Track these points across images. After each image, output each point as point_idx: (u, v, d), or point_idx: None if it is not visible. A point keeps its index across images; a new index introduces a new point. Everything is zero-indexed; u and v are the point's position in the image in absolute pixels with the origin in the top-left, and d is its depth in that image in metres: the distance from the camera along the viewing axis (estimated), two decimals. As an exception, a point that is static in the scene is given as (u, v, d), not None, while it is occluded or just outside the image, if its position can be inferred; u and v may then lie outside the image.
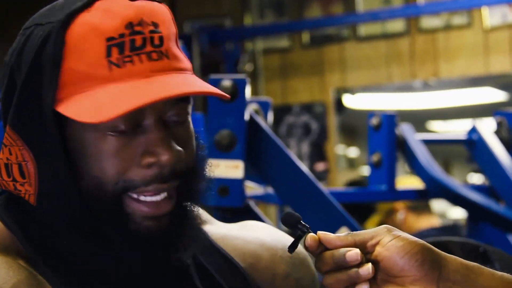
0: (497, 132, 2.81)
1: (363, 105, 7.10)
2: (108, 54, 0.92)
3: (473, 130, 2.79)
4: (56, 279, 0.94)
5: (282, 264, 1.10)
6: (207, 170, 1.00)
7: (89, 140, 0.93)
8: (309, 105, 6.53)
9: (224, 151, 1.88)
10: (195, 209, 0.99)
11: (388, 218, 3.85)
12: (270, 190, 2.32)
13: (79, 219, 0.95)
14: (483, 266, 0.94)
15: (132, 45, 0.92)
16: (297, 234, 0.94)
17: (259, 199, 2.55)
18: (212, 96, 1.87)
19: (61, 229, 0.96)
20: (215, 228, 1.11)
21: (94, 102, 0.91)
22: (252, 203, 1.96)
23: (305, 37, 6.55)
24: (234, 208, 1.87)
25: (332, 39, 6.47)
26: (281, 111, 6.35)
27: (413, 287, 0.90)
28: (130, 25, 0.93)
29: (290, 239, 0.99)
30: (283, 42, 6.63)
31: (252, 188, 2.45)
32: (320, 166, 6.46)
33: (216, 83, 1.89)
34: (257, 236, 1.12)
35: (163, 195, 0.95)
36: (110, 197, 0.93)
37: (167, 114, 0.95)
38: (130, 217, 0.94)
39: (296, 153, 6.27)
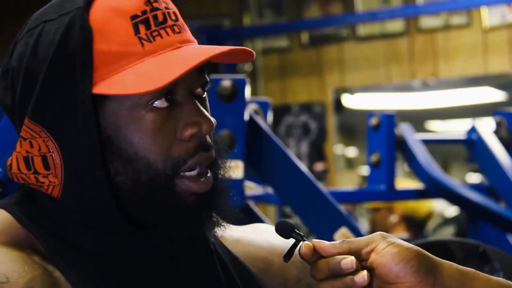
0: (496, 132, 2.81)
1: (362, 105, 7.10)
2: (137, 31, 0.95)
3: (473, 130, 2.79)
4: (72, 275, 0.94)
5: (293, 269, 1.10)
6: (224, 149, 1.03)
7: (129, 121, 0.94)
8: (308, 105, 6.53)
9: (223, 151, 1.87)
10: (225, 183, 1.01)
11: (380, 214, 3.89)
12: (269, 190, 2.32)
13: (104, 210, 0.95)
14: (478, 272, 0.93)
15: (156, 20, 0.96)
16: (292, 243, 0.94)
17: (258, 199, 2.55)
18: (212, 96, 1.88)
19: (80, 222, 0.96)
20: (227, 231, 1.11)
21: (139, 75, 0.93)
22: (251, 203, 1.96)
23: (304, 37, 6.55)
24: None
25: (331, 39, 6.47)
26: (280, 111, 6.35)
27: None
28: (148, 2, 0.96)
29: None
30: (282, 42, 6.63)
31: (252, 188, 2.45)
32: (319, 166, 6.46)
33: (215, 83, 1.89)
34: (268, 240, 1.12)
35: (200, 168, 0.96)
36: (162, 178, 0.95)
37: (195, 85, 0.98)
38: (180, 195, 0.96)
39: (295, 153, 6.27)
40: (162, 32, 0.95)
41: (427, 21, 6.15)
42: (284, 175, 1.98)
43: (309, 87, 6.54)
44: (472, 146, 2.78)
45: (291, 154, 2.02)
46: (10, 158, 1.00)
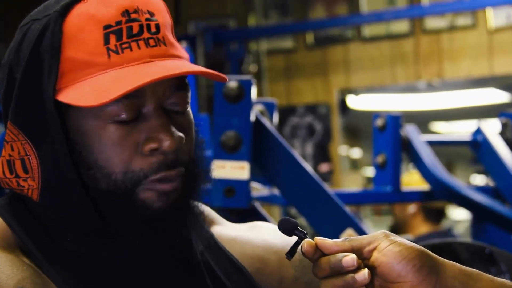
0: (502, 133, 2.81)
1: (367, 106, 7.10)
2: (106, 41, 0.93)
3: (478, 131, 2.79)
4: (60, 277, 0.94)
5: (290, 267, 1.10)
6: (207, 162, 1.01)
7: (91, 130, 0.94)
8: (313, 106, 6.52)
9: (230, 152, 1.88)
10: (198, 197, 1.00)
11: (398, 205, 3.86)
12: (275, 191, 2.32)
13: (82, 212, 0.95)
14: (482, 272, 0.93)
15: (129, 32, 0.94)
16: (295, 240, 0.94)
17: (264, 200, 2.55)
18: (218, 97, 1.88)
19: (63, 224, 0.96)
20: (224, 229, 1.11)
21: (94, 87, 0.91)
22: (257, 204, 1.96)
23: (309, 38, 6.55)
24: (240, 209, 1.87)
25: (336, 40, 6.47)
26: (285, 112, 6.35)
27: None
28: (126, 12, 0.94)
29: None
30: (287, 43, 6.63)
31: (258, 189, 2.45)
32: (324, 167, 6.46)
33: (221, 84, 1.89)
34: (265, 238, 1.12)
35: (172, 185, 0.95)
36: (121, 190, 0.94)
37: (167, 101, 0.96)
38: (143, 203, 0.95)
39: (300, 154, 6.27)
40: (133, 44, 0.93)
41: (432, 22, 6.14)
42: (290, 176, 1.98)
43: (314, 88, 6.53)
44: (478, 147, 2.78)
45: (297, 155, 2.02)
46: None
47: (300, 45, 6.59)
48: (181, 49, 0.99)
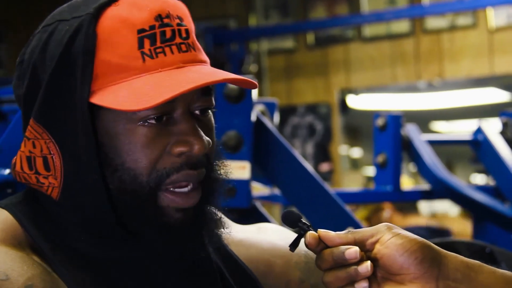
0: (503, 133, 2.82)
1: (368, 106, 7.10)
2: (141, 45, 0.94)
3: (479, 130, 2.79)
4: (70, 276, 0.95)
5: (296, 270, 1.11)
6: (224, 165, 1.02)
7: (121, 132, 0.94)
8: (314, 106, 6.53)
9: (231, 152, 1.88)
10: (217, 200, 1.01)
11: (374, 216, 3.88)
12: (276, 190, 2.33)
13: (101, 214, 0.96)
14: (483, 264, 0.93)
15: (163, 37, 0.95)
16: (298, 233, 0.94)
17: (265, 199, 2.56)
18: (219, 97, 1.89)
19: (79, 225, 0.97)
20: (231, 232, 1.11)
21: (132, 91, 0.92)
22: (258, 204, 1.96)
23: (310, 38, 6.55)
24: (241, 209, 1.88)
25: (337, 40, 6.47)
26: (286, 112, 6.35)
27: (412, 285, 0.90)
28: (159, 17, 0.96)
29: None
30: (287, 43, 6.63)
31: (259, 189, 2.46)
32: (324, 167, 6.46)
33: (223, 84, 1.89)
34: (271, 241, 1.12)
35: (192, 185, 0.96)
36: (145, 191, 0.95)
37: (194, 106, 0.97)
38: (163, 210, 0.96)
39: (301, 154, 6.27)
40: (166, 49, 0.95)
41: (433, 22, 6.14)
42: (291, 176, 1.98)
43: (315, 87, 6.54)
44: (478, 147, 2.78)
45: (298, 154, 2.02)
46: (15, 157, 1.01)
47: (301, 45, 6.59)
48: (204, 53, 1.00)
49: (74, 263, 0.96)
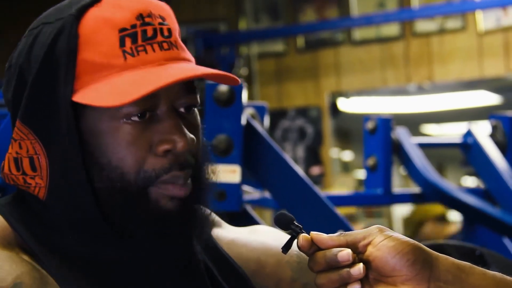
0: (492, 136, 2.82)
1: (358, 109, 7.11)
2: (122, 44, 0.95)
3: (468, 133, 2.79)
4: (59, 274, 0.95)
5: (287, 269, 1.11)
6: (211, 164, 1.03)
7: (106, 130, 0.95)
8: (304, 109, 6.53)
9: (221, 156, 1.88)
10: (205, 199, 1.01)
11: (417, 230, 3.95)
12: (267, 194, 2.33)
13: (87, 213, 0.96)
14: (474, 266, 0.94)
15: (144, 35, 0.96)
16: (291, 235, 0.94)
17: (255, 203, 2.56)
18: (209, 100, 1.89)
19: (67, 224, 0.97)
20: (224, 232, 1.13)
21: (112, 88, 0.93)
22: (249, 208, 1.96)
23: (300, 41, 6.56)
24: (232, 212, 1.87)
25: (327, 43, 6.48)
26: (276, 115, 6.36)
27: (404, 287, 0.91)
28: (140, 16, 0.97)
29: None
30: (278, 46, 6.64)
31: (249, 193, 2.45)
32: (315, 170, 6.47)
33: (212, 87, 1.89)
34: (263, 241, 1.13)
35: (181, 181, 0.97)
36: (134, 188, 0.95)
37: (178, 103, 0.98)
38: (156, 202, 0.96)
39: (292, 157, 6.27)
40: (148, 47, 0.96)
41: (422, 25, 6.16)
42: (281, 179, 1.99)
43: (305, 91, 6.54)
44: (468, 149, 2.79)
45: (288, 158, 2.02)
46: (3, 161, 1.01)
47: (291, 49, 6.60)
48: (189, 53, 1.01)
49: (63, 262, 0.96)
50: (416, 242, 0.93)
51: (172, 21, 1.00)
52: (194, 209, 0.99)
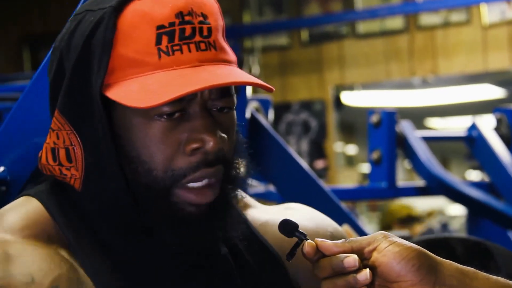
0: (497, 129, 2.82)
1: (362, 102, 7.11)
2: (158, 42, 0.94)
3: (473, 127, 2.79)
4: (91, 268, 0.95)
5: None
6: (246, 162, 1.02)
7: (136, 125, 0.95)
8: (308, 103, 6.53)
9: (225, 149, 1.88)
10: (235, 198, 1.00)
11: None
12: (271, 187, 2.33)
13: (120, 204, 0.96)
14: (478, 271, 0.94)
15: (182, 34, 0.94)
16: (295, 242, 0.94)
17: (260, 196, 2.56)
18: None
19: (101, 215, 0.97)
20: (258, 213, 1.11)
21: (143, 87, 0.93)
22: (253, 201, 1.96)
23: (304, 34, 6.55)
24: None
25: (331, 37, 6.48)
26: (280, 109, 6.36)
27: None
28: (180, 14, 0.95)
29: (333, 223, 1.07)
30: (282, 39, 6.64)
31: (253, 186, 2.45)
32: (319, 164, 6.47)
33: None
34: (297, 220, 1.12)
35: (208, 180, 0.96)
36: (159, 186, 0.95)
37: (212, 103, 0.97)
38: (176, 205, 0.96)
39: (296, 151, 6.28)
40: (184, 47, 0.94)
41: (426, 18, 6.15)
42: (285, 173, 1.99)
43: (309, 84, 6.54)
44: (473, 143, 2.79)
45: (292, 151, 2.02)
46: (41, 150, 1.01)
47: (295, 42, 6.60)
48: (231, 52, 1.00)
49: (96, 254, 0.96)
50: (421, 248, 0.93)
51: (215, 18, 0.98)
52: (219, 213, 0.98)
